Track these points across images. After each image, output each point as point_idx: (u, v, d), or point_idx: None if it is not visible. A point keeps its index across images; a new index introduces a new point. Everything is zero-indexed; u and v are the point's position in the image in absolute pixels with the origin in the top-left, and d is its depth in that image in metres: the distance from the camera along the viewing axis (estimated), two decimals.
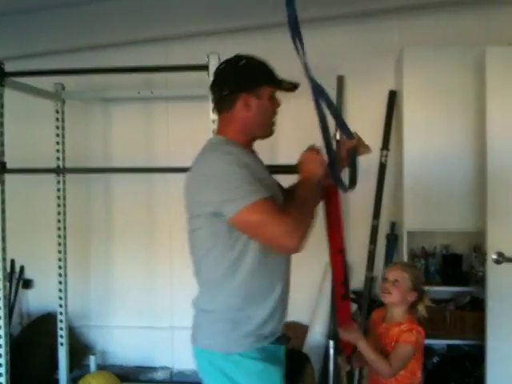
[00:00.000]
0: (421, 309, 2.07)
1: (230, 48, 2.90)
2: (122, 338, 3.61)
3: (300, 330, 3.29)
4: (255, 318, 1.56)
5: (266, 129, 1.66)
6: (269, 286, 1.58)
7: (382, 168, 3.21)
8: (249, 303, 1.56)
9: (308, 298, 3.30)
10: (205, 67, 2.36)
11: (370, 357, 1.94)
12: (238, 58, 1.64)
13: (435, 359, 3.08)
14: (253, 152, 1.71)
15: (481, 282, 2.84)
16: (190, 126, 3.39)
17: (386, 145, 3.21)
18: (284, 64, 2.76)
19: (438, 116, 2.98)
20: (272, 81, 1.64)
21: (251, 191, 1.44)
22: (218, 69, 1.69)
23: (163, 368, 3.57)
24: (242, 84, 1.60)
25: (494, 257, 2.67)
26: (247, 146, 1.66)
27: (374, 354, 1.93)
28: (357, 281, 3.24)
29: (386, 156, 3.21)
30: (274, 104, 1.65)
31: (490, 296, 2.72)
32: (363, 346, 1.94)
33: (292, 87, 1.68)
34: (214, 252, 1.55)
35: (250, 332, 1.55)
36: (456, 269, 3.11)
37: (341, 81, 3.33)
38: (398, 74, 3.17)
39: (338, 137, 2.88)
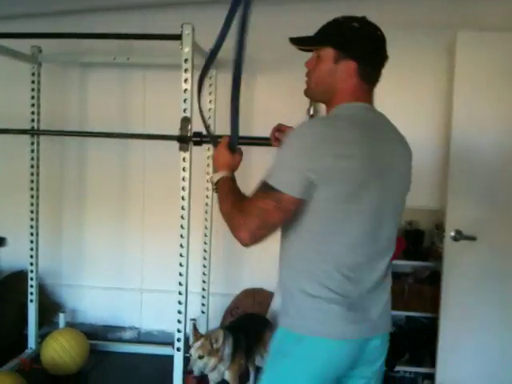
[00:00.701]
0: None
1: (209, 18, 2.92)
2: (92, 297, 3.70)
3: (266, 296, 3.41)
4: None
5: None
6: None
7: None
8: None
9: (275, 265, 3.41)
10: (178, 37, 2.40)
11: None
12: None
13: (392, 329, 3.21)
14: None
15: (440, 257, 2.93)
16: (166, 95, 3.40)
17: None
18: (258, 36, 2.78)
19: (407, 97, 3.04)
20: None
21: None
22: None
23: (131, 328, 3.69)
24: None
25: (452, 234, 2.79)
26: None
27: None
28: None
29: None
30: None
31: (446, 271, 2.85)
32: None
33: None
34: None
35: None
36: (418, 244, 3.21)
37: None
38: None
39: None
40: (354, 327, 1.41)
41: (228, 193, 1.47)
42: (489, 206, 2.81)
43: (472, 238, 2.77)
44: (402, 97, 3.02)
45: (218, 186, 1.53)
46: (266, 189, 1.32)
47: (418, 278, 3.22)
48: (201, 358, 2.40)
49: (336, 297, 1.37)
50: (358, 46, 1.41)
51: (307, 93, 1.52)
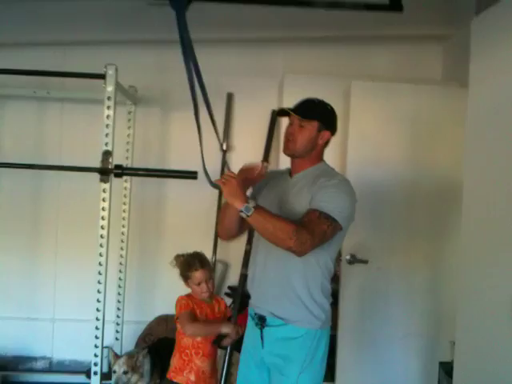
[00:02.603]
0: None
1: (124, 58, 3.14)
2: (1, 328, 3.62)
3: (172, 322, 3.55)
4: None
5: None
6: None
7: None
8: None
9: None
10: (102, 76, 2.58)
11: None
12: None
13: None
14: (291, 171, 2.11)
15: (338, 279, 3.20)
16: (83, 127, 3.57)
17: (266, 157, 3.58)
18: (174, 77, 2.98)
19: None
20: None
21: None
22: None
23: (43, 358, 3.67)
24: None
25: (348, 258, 3.14)
26: (292, 165, 2.10)
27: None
28: (233, 278, 3.59)
29: (267, 167, 3.57)
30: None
31: (342, 291, 3.16)
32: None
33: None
34: None
35: None
36: None
37: (230, 97, 3.69)
38: (280, 97, 3.57)
39: None
40: None
41: (271, 215, 1.85)
42: (378, 233, 3.20)
43: (364, 261, 3.13)
44: None
45: (254, 212, 1.81)
46: (328, 217, 1.85)
47: None
48: (125, 373, 2.52)
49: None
50: (332, 122, 2.06)
51: (290, 149, 2.03)
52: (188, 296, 2.52)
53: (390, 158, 3.19)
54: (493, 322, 2.02)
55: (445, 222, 3.21)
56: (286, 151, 2.05)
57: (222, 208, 2.12)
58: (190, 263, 2.49)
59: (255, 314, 2.07)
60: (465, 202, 2.33)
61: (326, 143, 2.07)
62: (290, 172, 2.11)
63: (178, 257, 2.54)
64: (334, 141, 2.11)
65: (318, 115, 2.01)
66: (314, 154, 2.04)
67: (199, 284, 2.46)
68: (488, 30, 2.17)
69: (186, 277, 2.49)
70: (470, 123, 2.32)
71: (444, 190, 3.19)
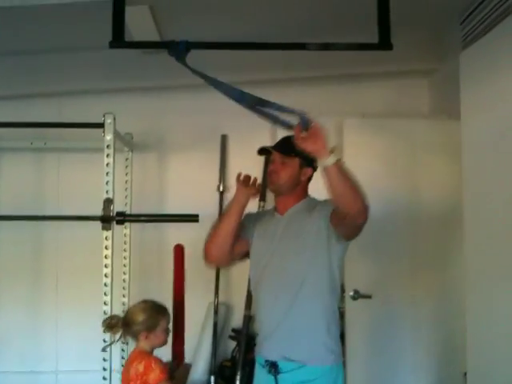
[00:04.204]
0: None
1: (117, 105, 3.20)
2: (4, 383, 3.58)
3: (183, 367, 3.49)
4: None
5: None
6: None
7: None
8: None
9: (189, 337, 3.53)
10: (101, 125, 2.62)
11: None
12: None
13: None
14: (277, 209, 2.13)
15: (343, 316, 3.15)
16: (80, 176, 3.59)
17: (263, 197, 3.61)
18: (168, 121, 3.02)
19: None
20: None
21: None
22: None
23: None
24: None
25: (351, 294, 3.13)
26: (278, 203, 2.14)
27: None
28: (236, 319, 3.55)
29: (263, 207, 3.61)
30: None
31: (348, 328, 3.14)
32: None
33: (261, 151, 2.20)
34: None
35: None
36: None
37: (224, 139, 3.74)
38: (273, 137, 3.62)
39: None
40: None
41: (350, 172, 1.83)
42: (379, 267, 3.20)
43: (368, 296, 3.13)
44: None
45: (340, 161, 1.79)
46: None
47: None
48: None
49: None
50: (313, 158, 1.95)
51: (274, 185, 2.09)
52: (149, 355, 2.29)
53: (387, 191, 3.22)
54: (505, 351, 2.01)
55: (445, 251, 3.23)
56: (271, 187, 2.12)
57: (222, 214, 2.10)
58: (158, 310, 2.35)
59: (266, 360, 2.00)
60: (466, 231, 2.36)
61: (309, 179, 2.12)
62: (277, 210, 2.14)
63: (131, 312, 2.36)
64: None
65: (299, 152, 1.95)
66: (298, 190, 2.10)
67: (166, 330, 2.32)
68: (476, 62, 2.25)
69: (152, 325, 2.28)
70: (465, 154, 2.37)
71: (442, 219, 3.22)
